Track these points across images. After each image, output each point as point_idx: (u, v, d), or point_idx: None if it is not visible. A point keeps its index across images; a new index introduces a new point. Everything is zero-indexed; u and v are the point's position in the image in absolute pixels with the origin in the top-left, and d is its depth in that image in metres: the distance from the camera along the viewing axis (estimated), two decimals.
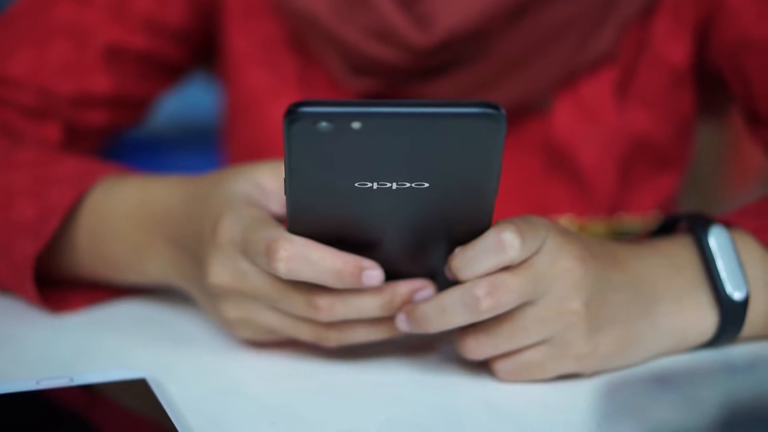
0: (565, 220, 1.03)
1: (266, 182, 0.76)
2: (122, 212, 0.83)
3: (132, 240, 0.82)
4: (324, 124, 0.61)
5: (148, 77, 1.05)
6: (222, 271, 0.73)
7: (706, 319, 0.76)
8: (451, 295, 0.70)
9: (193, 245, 0.76)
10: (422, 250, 0.71)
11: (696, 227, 0.78)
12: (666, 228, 0.82)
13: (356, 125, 0.61)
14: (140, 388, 0.71)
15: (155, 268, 0.82)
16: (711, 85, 1.05)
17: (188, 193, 0.79)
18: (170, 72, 1.07)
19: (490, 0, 0.95)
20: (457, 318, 0.70)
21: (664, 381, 0.41)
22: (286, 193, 0.67)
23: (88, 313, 0.85)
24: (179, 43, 1.05)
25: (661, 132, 1.04)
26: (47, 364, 0.77)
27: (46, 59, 1.00)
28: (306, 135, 0.62)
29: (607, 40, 1.00)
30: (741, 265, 0.76)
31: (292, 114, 0.61)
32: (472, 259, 0.69)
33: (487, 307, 0.69)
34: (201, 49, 1.08)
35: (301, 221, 0.69)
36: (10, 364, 0.77)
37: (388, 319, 0.73)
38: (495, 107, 0.62)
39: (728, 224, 0.79)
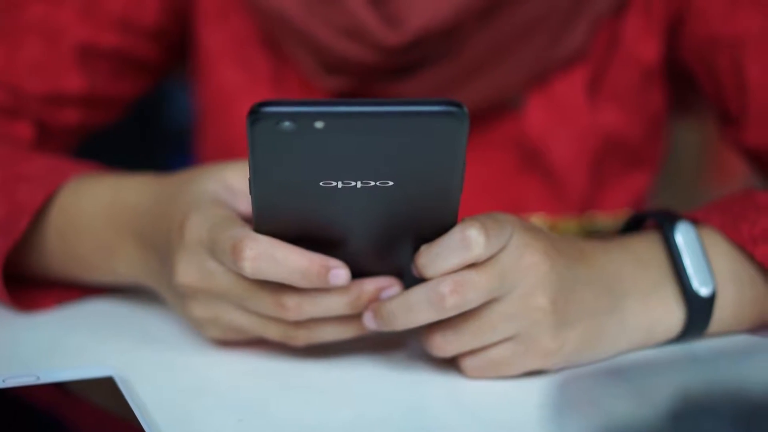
0: (537, 218, 1.03)
1: (235, 182, 0.77)
2: (93, 211, 0.83)
3: (102, 239, 0.82)
4: (287, 123, 0.61)
5: (121, 76, 1.05)
6: (189, 271, 0.73)
7: (673, 314, 0.77)
8: (417, 292, 0.70)
9: (162, 244, 0.76)
10: (389, 248, 0.71)
11: (663, 224, 0.78)
12: (635, 225, 0.83)
13: (319, 125, 0.61)
14: (107, 386, 0.71)
15: (124, 267, 0.82)
16: (684, 82, 1.05)
17: (157, 192, 0.79)
18: (145, 71, 1.07)
19: None
20: (422, 315, 0.70)
21: (616, 373, 0.41)
22: (251, 193, 0.67)
23: (57, 311, 0.85)
24: (153, 41, 1.05)
25: (632, 130, 1.05)
26: (15, 361, 0.77)
27: (17, 58, 1.00)
28: (269, 134, 0.62)
29: (579, 37, 1.00)
30: (707, 261, 0.77)
31: (254, 114, 0.62)
32: (437, 257, 0.69)
33: (452, 304, 0.69)
34: (176, 48, 1.08)
35: (266, 220, 0.69)
36: None
37: (355, 318, 0.73)
38: (457, 105, 0.62)
39: (695, 221, 0.79)
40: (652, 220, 0.81)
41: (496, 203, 1.04)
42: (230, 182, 0.76)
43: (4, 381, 0.71)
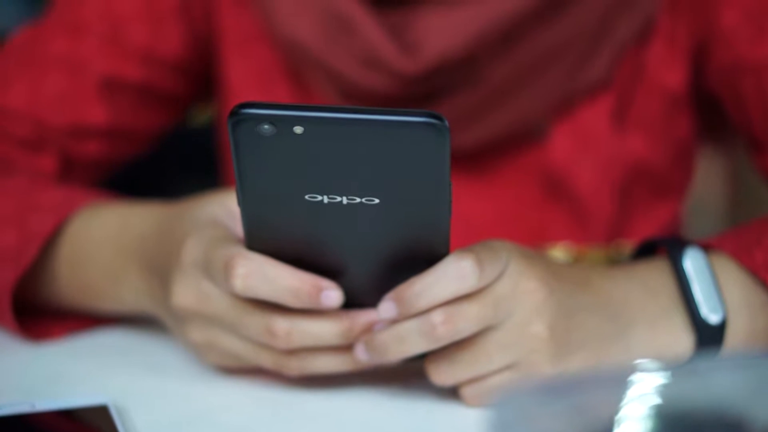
0: (562, 248, 1.02)
1: (236, 207, 0.76)
2: (101, 239, 0.83)
3: (109, 267, 0.83)
4: (266, 126, 0.61)
5: (145, 108, 1.05)
6: (185, 293, 0.73)
7: (681, 342, 0.75)
8: (409, 323, 0.69)
9: (163, 270, 0.76)
10: (382, 277, 0.70)
11: (672, 250, 0.76)
12: (646, 252, 0.81)
13: (299, 129, 0.61)
14: (101, 415, 0.71)
15: (130, 295, 0.82)
16: (712, 110, 1.03)
17: (162, 218, 0.80)
18: (169, 103, 1.08)
19: (477, 26, 0.94)
20: (414, 346, 0.69)
21: (554, 391, 0.40)
22: (239, 204, 0.67)
23: (63, 340, 0.85)
24: (176, 73, 1.06)
25: (658, 158, 1.03)
26: (18, 390, 0.77)
27: (41, 91, 1.01)
28: (250, 138, 0.62)
29: (603, 65, 0.99)
30: (717, 287, 0.75)
31: (235, 115, 0.61)
32: (429, 287, 0.68)
33: (444, 334, 0.68)
34: (200, 79, 1.08)
35: (258, 237, 0.69)
36: None
37: (348, 349, 0.72)
38: (438, 117, 0.61)
39: (708, 247, 0.77)
40: (664, 248, 0.79)
41: (520, 233, 1.02)
42: (232, 207, 0.76)
43: None
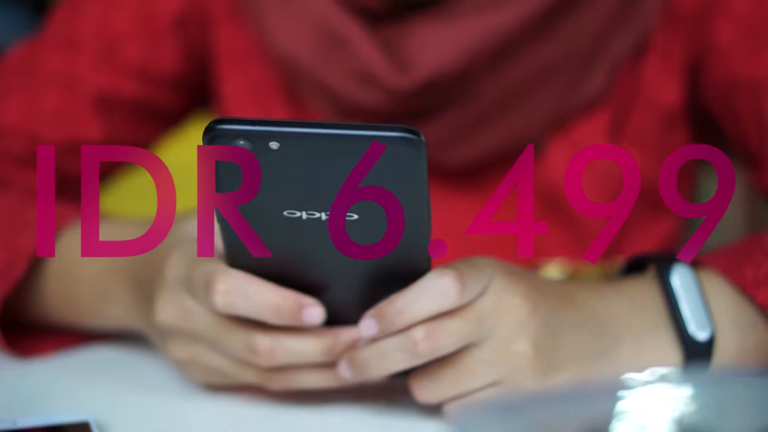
0: (558, 264, 1.01)
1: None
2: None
3: (97, 283, 0.82)
4: (242, 142, 0.61)
5: (140, 124, 1.05)
6: (168, 309, 0.73)
7: (668, 359, 0.74)
8: (391, 340, 0.69)
9: (149, 286, 0.76)
10: (365, 294, 0.70)
11: (660, 266, 0.76)
12: (635, 269, 0.80)
13: (274, 145, 0.61)
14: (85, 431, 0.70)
15: (117, 311, 0.81)
16: (710, 125, 1.03)
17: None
18: (164, 119, 1.08)
19: (471, 43, 0.93)
20: (396, 363, 0.69)
21: (513, 408, 0.39)
22: (218, 221, 0.66)
23: (49, 357, 0.85)
24: (172, 89, 1.06)
25: (655, 174, 1.02)
26: (2, 407, 0.77)
27: (36, 108, 1.01)
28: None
29: (598, 82, 0.98)
30: (706, 304, 0.74)
31: (210, 131, 0.61)
32: (410, 304, 0.68)
33: (425, 351, 0.68)
34: (196, 95, 1.08)
35: (238, 254, 0.68)
36: None
37: (332, 366, 0.72)
38: (414, 132, 0.61)
39: (699, 264, 0.76)
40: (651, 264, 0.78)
41: (516, 249, 1.02)
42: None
43: None
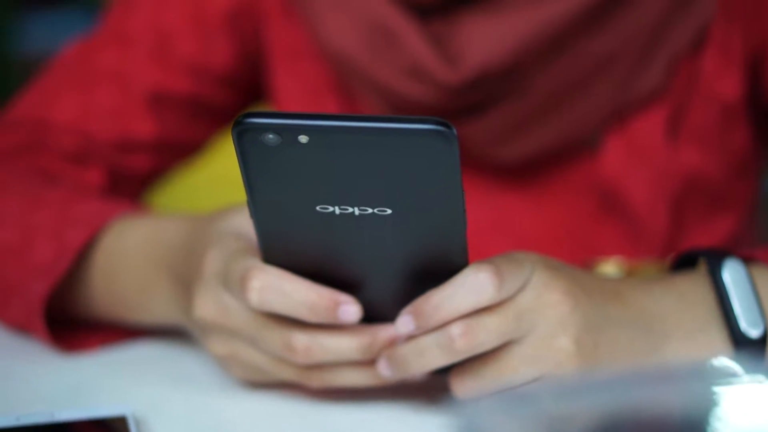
0: (614, 262, 0.99)
1: None
2: (133, 250, 0.83)
3: (140, 278, 0.82)
4: (271, 136, 0.60)
5: (193, 122, 1.05)
6: (206, 305, 0.72)
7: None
8: (428, 336, 0.67)
9: (189, 280, 0.75)
10: (402, 290, 0.68)
11: (710, 261, 0.74)
12: (687, 265, 0.78)
13: (303, 139, 0.60)
14: (119, 426, 0.70)
15: (160, 306, 0.81)
16: None
17: (191, 228, 0.79)
18: (217, 115, 1.07)
19: (522, 35, 0.92)
20: (434, 360, 0.68)
21: (523, 398, 0.38)
22: (251, 216, 0.65)
23: (94, 352, 0.85)
24: (225, 86, 1.05)
25: (715, 170, 1.00)
26: (41, 400, 0.77)
27: (89, 105, 1.01)
28: (256, 148, 0.61)
29: (656, 76, 0.96)
30: (758, 300, 0.72)
31: (238, 125, 0.60)
32: (447, 300, 0.66)
33: (462, 347, 0.66)
34: (248, 92, 1.08)
35: (274, 250, 0.68)
36: (11, 400, 0.78)
37: (371, 364, 0.71)
38: (446, 125, 0.59)
39: (751, 259, 0.74)
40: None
41: (572, 248, 1.00)
42: None
43: (18, 419, 0.70)
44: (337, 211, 0.63)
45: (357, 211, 0.63)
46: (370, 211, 0.63)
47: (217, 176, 1.35)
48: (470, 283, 0.66)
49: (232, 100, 1.07)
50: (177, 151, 1.06)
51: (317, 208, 0.63)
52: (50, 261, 0.84)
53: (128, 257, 0.83)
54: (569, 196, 1.00)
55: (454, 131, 0.59)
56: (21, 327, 0.86)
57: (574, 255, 0.97)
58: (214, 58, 1.04)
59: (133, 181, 1.04)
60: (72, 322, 0.87)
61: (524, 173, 1.00)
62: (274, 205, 0.64)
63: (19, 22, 2.67)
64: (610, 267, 0.99)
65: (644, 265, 1.00)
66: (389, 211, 0.63)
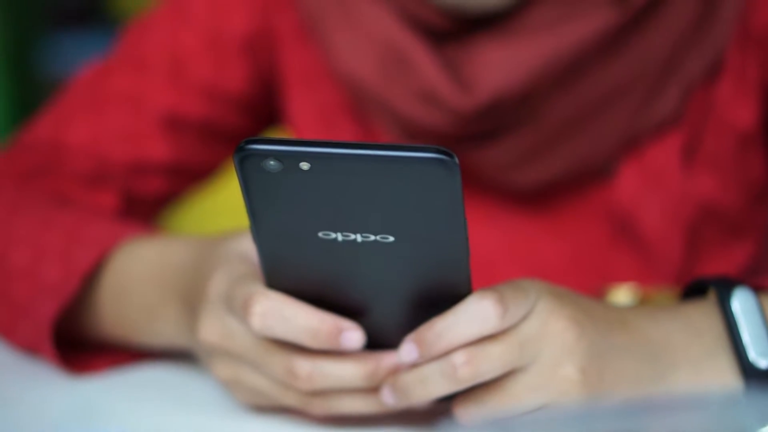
0: (627, 289, 0.98)
1: None
2: (141, 273, 0.83)
3: (148, 300, 0.82)
4: (272, 162, 0.60)
5: (207, 144, 1.05)
6: (211, 328, 0.72)
7: (727, 387, 0.71)
8: (431, 365, 0.67)
9: (195, 303, 0.75)
10: (406, 318, 0.68)
11: (720, 290, 0.73)
12: (696, 293, 0.77)
13: (305, 166, 0.59)
14: None
15: (167, 329, 0.81)
16: None
17: (199, 251, 0.79)
18: (231, 140, 1.07)
19: (536, 62, 0.91)
20: (437, 388, 0.67)
21: (507, 428, 0.37)
22: (254, 241, 0.65)
23: (101, 374, 0.85)
24: (239, 110, 1.05)
25: (730, 198, 0.99)
26: (47, 422, 0.77)
27: (103, 127, 1.01)
28: (258, 174, 0.61)
29: (671, 103, 0.95)
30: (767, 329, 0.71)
31: (240, 151, 0.60)
32: (450, 328, 0.66)
33: (465, 376, 0.66)
34: (263, 115, 1.08)
35: (276, 275, 0.68)
36: (17, 421, 0.78)
37: (374, 391, 0.70)
38: (447, 153, 0.59)
39: (759, 288, 0.73)
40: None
41: (585, 274, 0.99)
42: None
43: None
44: (340, 237, 0.63)
45: (359, 238, 0.63)
46: (372, 238, 0.63)
47: (230, 201, 1.35)
48: (473, 311, 0.66)
49: (246, 124, 1.07)
50: (191, 175, 1.06)
51: (319, 234, 0.63)
52: (58, 282, 0.85)
53: (136, 279, 0.83)
54: (583, 222, 1.00)
55: (456, 160, 0.59)
56: (29, 348, 0.86)
57: (587, 281, 0.96)
58: (229, 82, 1.04)
59: (146, 204, 1.04)
60: (80, 344, 0.87)
61: (538, 199, 0.99)
62: (276, 230, 0.64)
63: (49, 41, 2.68)
64: (623, 294, 0.98)
65: (658, 292, 0.99)
66: (392, 239, 0.63)
